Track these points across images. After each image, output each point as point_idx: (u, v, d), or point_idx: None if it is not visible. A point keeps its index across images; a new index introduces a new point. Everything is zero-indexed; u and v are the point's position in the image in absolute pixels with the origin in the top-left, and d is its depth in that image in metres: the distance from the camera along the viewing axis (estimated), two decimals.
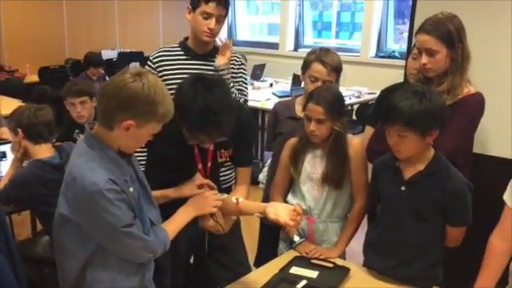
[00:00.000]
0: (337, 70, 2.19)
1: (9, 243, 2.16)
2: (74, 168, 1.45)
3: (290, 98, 2.56)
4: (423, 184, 1.75)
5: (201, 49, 2.24)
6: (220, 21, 2.17)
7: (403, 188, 1.78)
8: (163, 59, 2.24)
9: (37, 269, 2.40)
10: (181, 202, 1.75)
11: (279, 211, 1.72)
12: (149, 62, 2.28)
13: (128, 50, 7.20)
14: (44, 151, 2.35)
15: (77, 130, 3.07)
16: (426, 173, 1.76)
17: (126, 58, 6.66)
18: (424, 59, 1.93)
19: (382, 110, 1.80)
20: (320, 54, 2.18)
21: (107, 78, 4.78)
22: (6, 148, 2.63)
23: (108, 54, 6.94)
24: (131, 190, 1.49)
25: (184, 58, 2.23)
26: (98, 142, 1.46)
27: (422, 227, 1.77)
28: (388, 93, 2.04)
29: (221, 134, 1.69)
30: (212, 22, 2.14)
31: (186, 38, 2.29)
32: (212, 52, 2.26)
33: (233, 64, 2.31)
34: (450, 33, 1.89)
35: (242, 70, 2.37)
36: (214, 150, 1.89)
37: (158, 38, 7.72)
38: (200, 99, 1.61)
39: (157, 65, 2.24)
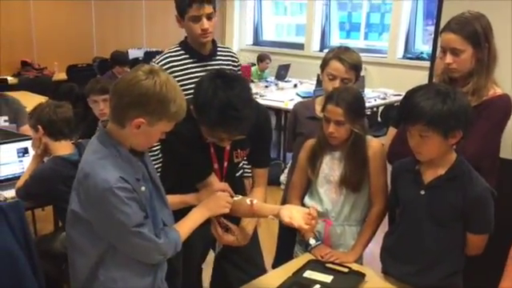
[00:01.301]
0: (355, 68, 2.14)
1: (27, 238, 2.20)
2: (86, 165, 1.45)
3: (310, 99, 2.52)
4: (443, 189, 1.69)
5: (204, 49, 2.22)
6: (210, 18, 2.14)
7: (423, 192, 1.72)
8: (172, 65, 2.18)
9: (55, 264, 2.42)
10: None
11: (294, 214, 1.68)
12: None
13: (154, 49, 7.27)
14: (64, 148, 2.37)
15: None
16: (447, 177, 1.69)
17: (151, 57, 6.69)
18: (448, 59, 1.87)
19: (404, 110, 1.74)
20: (338, 52, 2.14)
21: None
22: (28, 144, 2.68)
23: (134, 53, 7.02)
24: (143, 189, 1.48)
25: (191, 61, 2.20)
26: (111, 140, 1.46)
27: (442, 233, 1.71)
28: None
29: (241, 130, 1.67)
30: (204, 23, 2.11)
31: (186, 38, 2.26)
32: (213, 51, 2.25)
33: (233, 65, 2.29)
34: (476, 32, 1.83)
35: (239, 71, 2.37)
36: (230, 150, 1.86)
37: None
38: (221, 94, 1.59)
39: (167, 72, 2.20)
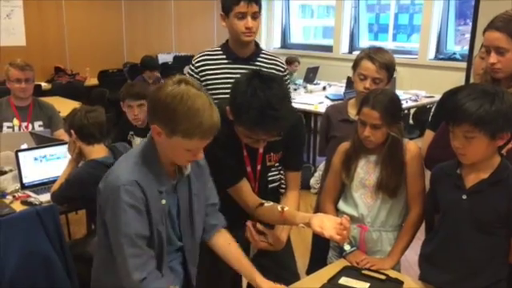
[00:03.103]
0: (387, 67, 2.10)
1: (62, 242, 2.23)
2: (116, 162, 1.49)
3: (342, 101, 2.49)
4: (487, 193, 1.63)
5: (242, 51, 2.21)
6: (255, 17, 2.13)
7: (464, 197, 1.66)
8: (205, 63, 2.21)
9: (88, 268, 2.43)
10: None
11: (325, 223, 1.62)
12: (191, 66, 2.25)
13: (183, 54, 7.33)
14: (98, 151, 2.40)
15: (131, 132, 3.13)
16: (491, 181, 1.62)
17: (180, 62, 6.78)
18: (493, 58, 1.79)
19: (447, 110, 1.68)
20: (370, 52, 2.12)
21: (162, 81, 4.87)
22: (62, 149, 2.72)
23: (164, 57, 7.10)
24: (163, 202, 1.46)
25: (226, 61, 2.20)
26: (151, 145, 1.46)
27: (484, 240, 1.64)
28: (451, 94, 1.93)
29: (280, 130, 1.66)
30: (248, 21, 2.11)
31: (227, 41, 2.26)
32: (254, 55, 2.23)
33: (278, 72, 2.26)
34: None
35: (288, 79, 2.34)
36: (264, 154, 1.85)
37: (213, 41, 7.81)
38: (260, 94, 1.59)
39: (199, 69, 2.21)
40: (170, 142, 1.40)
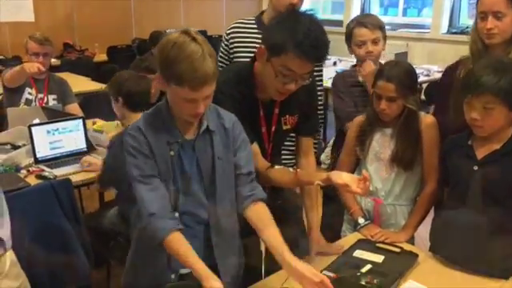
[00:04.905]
0: (379, 26, 2.21)
1: (77, 215, 2.25)
2: None
3: (347, 70, 2.53)
4: (499, 164, 1.62)
5: None
6: None
7: (476, 168, 1.65)
8: (236, 31, 2.30)
9: (103, 241, 2.47)
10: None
11: (345, 177, 1.56)
12: (224, 35, 2.36)
13: (192, 29, 7.25)
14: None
15: None
16: (504, 151, 1.62)
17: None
18: (490, 23, 1.79)
19: (464, 82, 1.67)
20: (358, 19, 2.24)
21: None
22: (75, 123, 2.73)
23: (173, 33, 7.02)
24: (171, 153, 1.46)
25: (256, 31, 2.23)
26: (166, 99, 1.48)
27: (497, 212, 1.63)
28: (453, 70, 1.96)
29: (320, 59, 1.68)
30: None
31: (262, 13, 2.31)
32: None
33: None
34: None
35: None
36: (279, 115, 1.81)
37: (222, 17, 7.73)
38: (304, 20, 1.60)
39: (229, 36, 2.31)
40: (169, 92, 1.43)
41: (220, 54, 2.35)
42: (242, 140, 1.58)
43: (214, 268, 1.46)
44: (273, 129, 1.82)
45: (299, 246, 2.01)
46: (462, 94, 1.67)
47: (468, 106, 1.62)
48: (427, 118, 1.91)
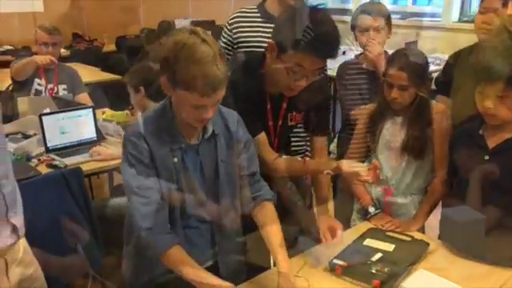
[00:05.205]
0: (382, 14, 2.22)
1: (88, 203, 2.27)
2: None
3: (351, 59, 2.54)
4: (511, 152, 1.60)
5: (279, 12, 2.15)
6: None
7: (487, 157, 1.64)
8: (239, 20, 2.25)
9: (106, 227, 2.47)
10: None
11: (354, 166, 1.56)
12: (226, 24, 2.30)
13: (200, 19, 7.23)
14: None
15: None
16: None
17: (198, 27, 6.69)
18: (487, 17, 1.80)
19: (476, 70, 1.65)
20: (362, 7, 2.27)
21: None
22: (85, 113, 2.74)
23: (181, 22, 7.00)
24: (175, 160, 1.41)
25: (260, 20, 2.20)
26: (169, 102, 1.44)
27: (508, 201, 1.62)
28: (456, 56, 1.91)
29: (331, 54, 1.64)
30: None
31: (264, 0, 2.26)
32: None
33: None
34: None
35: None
36: (287, 110, 1.80)
37: (230, 7, 7.69)
38: (314, 16, 1.60)
39: (232, 26, 2.26)
40: (176, 96, 1.36)
41: (221, 44, 2.27)
42: (246, 141, 1.56)
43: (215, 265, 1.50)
44: (279, 123, 1.82)
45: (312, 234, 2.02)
46: (473, 84, 1.65)
47: (480, 95, 1.61)
48: (439, 106, 1.90)
